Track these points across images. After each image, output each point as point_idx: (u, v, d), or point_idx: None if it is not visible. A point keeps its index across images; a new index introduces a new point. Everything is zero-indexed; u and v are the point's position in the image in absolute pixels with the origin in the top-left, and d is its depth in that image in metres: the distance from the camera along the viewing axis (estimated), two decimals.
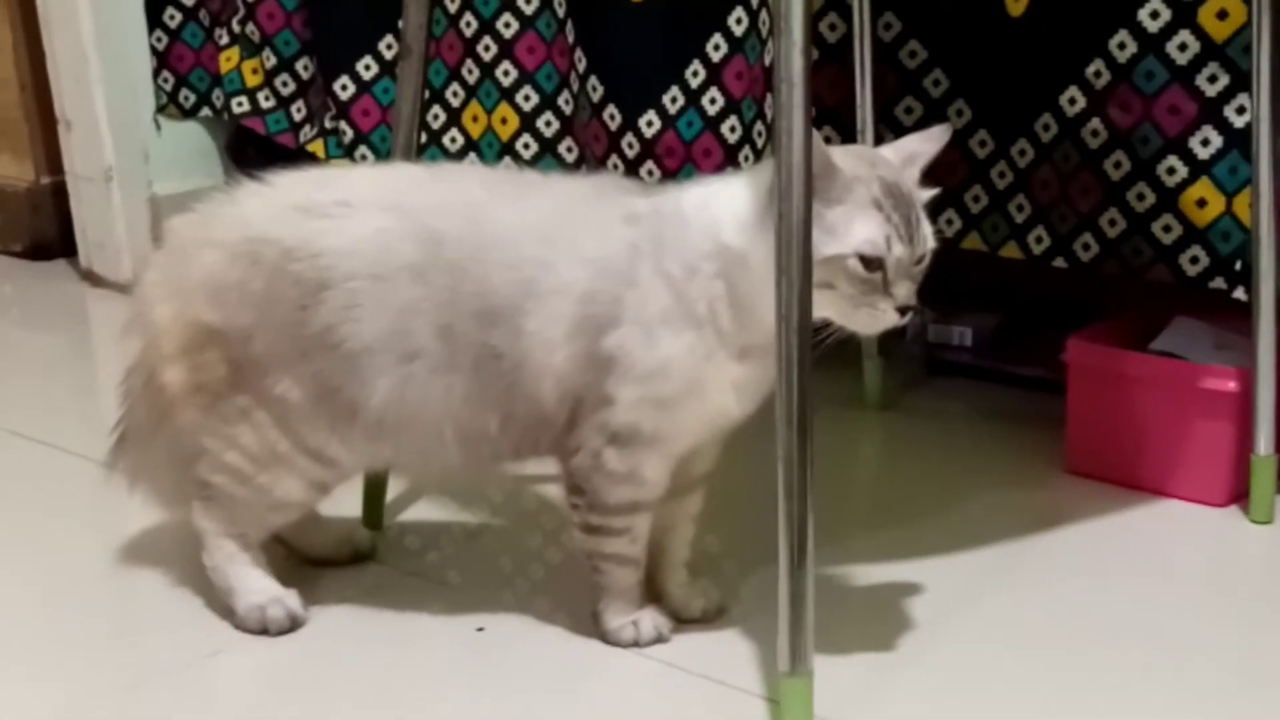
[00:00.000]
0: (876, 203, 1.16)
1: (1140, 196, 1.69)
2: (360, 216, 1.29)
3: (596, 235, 1.25)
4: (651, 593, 1.35)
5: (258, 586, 1.37)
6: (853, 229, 1.15)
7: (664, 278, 1.21)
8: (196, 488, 1.37)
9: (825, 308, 1.16)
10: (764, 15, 1.88)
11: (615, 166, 2.03)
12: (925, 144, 1.23)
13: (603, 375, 1.23)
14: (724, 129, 1.93)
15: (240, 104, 2.48)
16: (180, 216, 1.39)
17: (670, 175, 1.96)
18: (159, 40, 2.57)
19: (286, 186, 1.34)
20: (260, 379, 1.30)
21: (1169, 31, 1.62)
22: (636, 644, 1.32)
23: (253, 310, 1.29)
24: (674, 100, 1.95)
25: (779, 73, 1.10)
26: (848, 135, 1.86)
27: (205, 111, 2.60)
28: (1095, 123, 1.70)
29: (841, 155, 1.18)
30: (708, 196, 1.24)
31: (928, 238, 1.19)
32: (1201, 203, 1.64)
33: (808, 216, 1.10)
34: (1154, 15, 1.62)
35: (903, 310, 1.16)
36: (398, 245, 1.27)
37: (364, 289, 1.27)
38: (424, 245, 1.26)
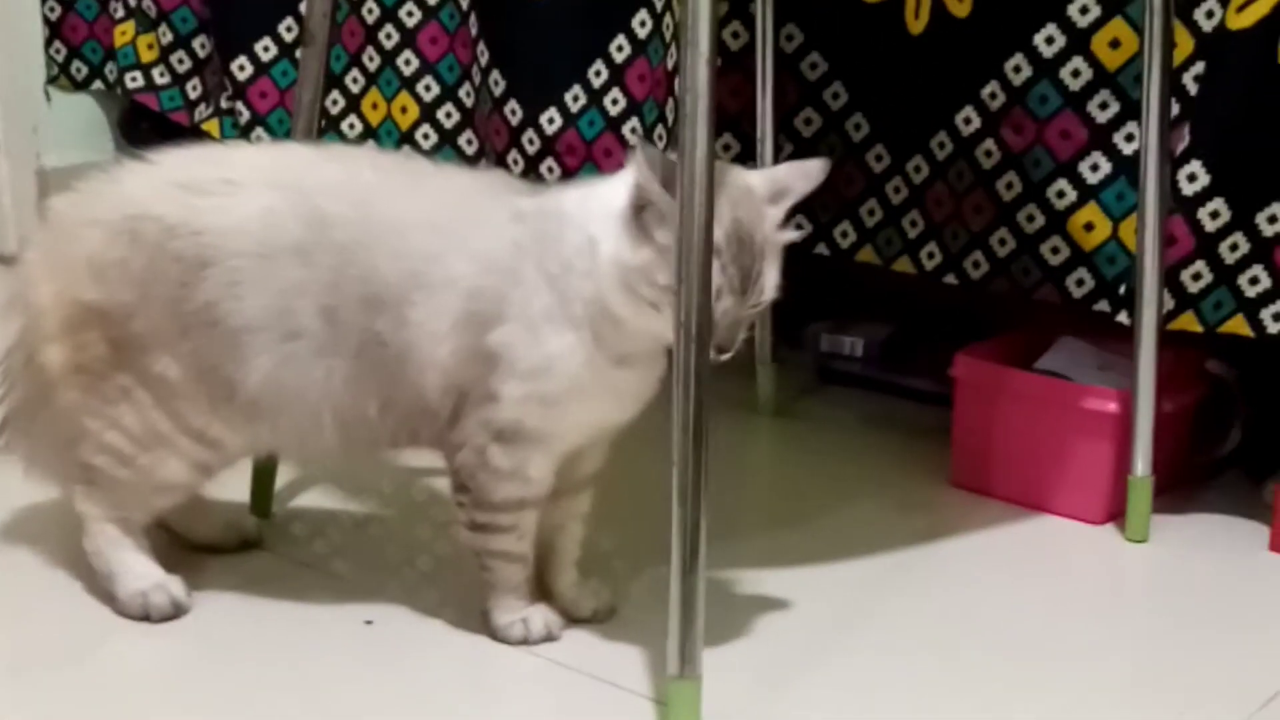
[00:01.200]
0: (715, 250, 1.14)
1: (1030, 218, 1.72)
2: (246, 194, 1.28)
3: (484, 231, 1.25)
4: (542, 592, 1.36)
5: (140, 571, 1.35)
6: None
7: (545, 276, 1.22)
8: (78, 471, 1.35)
9: (653, 320, 1.18)
10: (668, 19, 1.89)
11: (515, 162, 2.03)
12: (799, 180, 1.22)
13: (487, 371, 1.24)
14: (625, 130, 1.93)
15: (134, 79, 2.44)
16: (62, 195, 1.37)
17: (571, 173, 1.96)
18: (51, 10, 2.52)
19: (170, 164, 1.33)
20: (141, 357, 1.29)
21: (1063, 57, 1.66)
22: (526, 641, 1.32)
23: (134, 288, 1.28)
24: (576, 99, 1.95)
25: (684, 82, 1.10)
26: (747, 143, 1.88)
27: (98, 85, 2.55)
28: (989, 143, 1.73)
29: None
30: (586, 195, 1.24)
31: (766, 289, 1.18)
32: (1089, 226, 1.68)
33: (708, 224, 1.11)
34: (1049, 41, 1.66)
35: (719, 350, 1.16)
36: (284, 224, 1.26)
37: (247, 267, 1.26)
38: (310, 226, 1.26)
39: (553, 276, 1.22)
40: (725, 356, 1.17)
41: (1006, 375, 1.65)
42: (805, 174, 1.22)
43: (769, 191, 1.20)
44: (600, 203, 1.21)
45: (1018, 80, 1.70)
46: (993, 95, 1.72)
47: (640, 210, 1.17)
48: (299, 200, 1.27)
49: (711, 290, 1.13)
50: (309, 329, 1.26)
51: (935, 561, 1.53)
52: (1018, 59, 1.69)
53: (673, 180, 1.13)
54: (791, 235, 1.21)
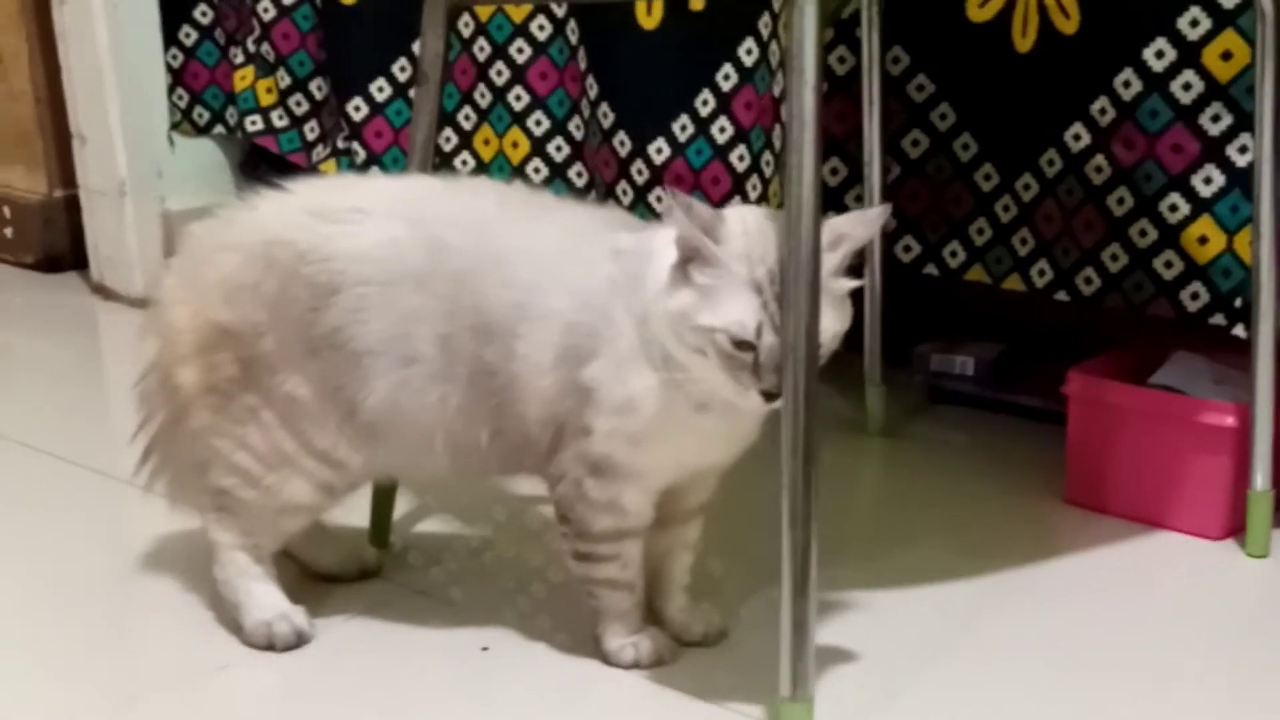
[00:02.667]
0: (757, 286, 1.15)
1: (1143, 233, 1.71)
2: (373, 223, 1.31)
3: (584, 267, 1.27)
4: (652, 616, 1.37)
5: (266, 602, 1.39)
6: (727, 306, 1.15)
7: (632, 316, 1.23)
8: (210, 498, 1.38)
9: (705, 369, 1.17)
10: (774, 46, 1.90)
11: (624, 193, 2.06)
12: (858, 227, 1.18)
13: (582, 405, 1.25)
14: (732, 158, 1.95)
15: (254, 122, 2.51)
16: (199, 222, 1.41)
17: None
18: (174, 58, 2.60)
19: (303, 192, 1.37)
20: (269, 377, 1.32)
21: (1174, 71, 1.64)
22: (637, 665, 1.33)
23: (265, 310, 1.32)
24: (683, 128, 1.97)
25: (791, 109, 1.11)
26: (855, 167, 1.88)
27: (219, 129, 2.62)
28: (1099, 159, 1.72)
29: (737, 223, 1.17)
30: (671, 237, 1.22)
31: (824, 333, 1.15)
32: (1203, 240, 1.66)
33: (816, 251, 1.12)
34: (1159, 55, 1.65)
35: (768, 396, 1.15)
36: (406, 253, 1.29)
37: (371, 294, 1.29)
38: (430, 254, 1.29)
39: (637, 317, 1.23)
40: (775, 404, 1.15)
41: (1121, 391, 1.64)
42: (864, 221, 1.20)
43: (827, 239, 1.16)
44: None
45: (1128, 95, 1.68)
46: (1102, 111, 1.71)
47: (687, 261, 1.17)
48: (422, 230, 1.30)
49: (811, 310, 1.13)
50: (425, 355, 1.29)
51: (1050, 580, 1.52)
52: (1127, 74, 1.68)
53: (711, 225, 1.15)
54: (852, 283, 1.19)
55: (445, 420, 1.30)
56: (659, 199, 2.01)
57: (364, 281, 1.29)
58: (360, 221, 1.31)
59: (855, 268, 1.21)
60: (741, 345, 1.15)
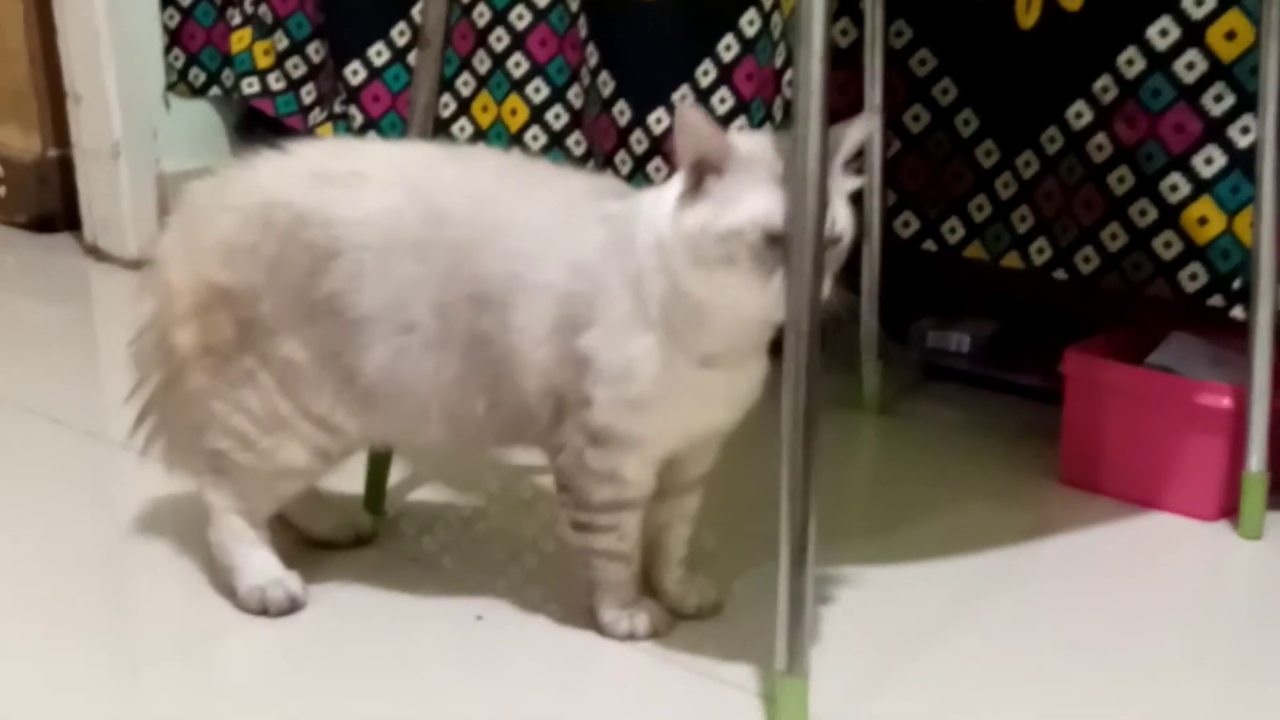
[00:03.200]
0: (777, 179, 1.14)
1: (1142, 212, 1.70)
2: (373, 188, 1.30)
3: (578, 236, 1.26)
4: (649, 588, 1.37)
5: (260, 567, 1.39)
6: (750, 201, 1.14)
7: (625, 279, 1.23)
8: (206, 460, 1.38)
9: (728, 287, 1.16)
10: (776, 18, 1.89)
11: (623, 163, 2.05)
12: (850, 131, 1.19)
13: (580, 375, 1.25)
14: (733, 129, 1.94)
15: (250, 85, 2.50)
16: (198, 181, 1.40)
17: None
18: (171, 18, 2.58)
19: (304, 154, 1.36)
20: (266, 340, 1.32)
21: (1177, 50, 1.63)
22: (632, 637, 1.33)
23: (263, 272, 1.31)
24: (684, 99, 1.97)
25: (797, 79, 1.11)
26: None
27: (215, 91, 2.61)
28: (1101, 137, 1.72)
29: (744, 137, 1.18)
30: (660, 194, 1.23)
31: (838, 220, 1.16)
32: (1203, 220, 1.66)
33: (820, 222, 1.11)
34: (1163, 33, 1.64)
35: None
36: (405, 220, 1.28)
37: (369, 260, 1.28)
38: (428, 223, 1.28)
39: (630, 279, 1.23)
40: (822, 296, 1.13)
41: (1117, 371, 1.64)
42: (854, 125, 1.20)
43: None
44: (670, 197, 1.20)
45: (1130, 74, 1.68)
46: (1105, 89, 1.70)
47: (698, 180, 1.17)
48: (420, 197, 1.29)
49: (820, 286, 1.13)
50: (422, 323, 1.28)
51: (1044, 559, 1.52)
52: (1130, 52, 1.67)
53: (722, 132, 1.15)
54: (855, 181, 1.20)
55: (441, 389, 1.29)
56: (657, 169, 2.00)
57: (362, 247, 1.29)
58: (360, 186, 1.31)
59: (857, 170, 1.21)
60: (772, 240, 1.14)
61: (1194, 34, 1.62)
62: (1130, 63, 1.67)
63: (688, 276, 1.18)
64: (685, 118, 1.16)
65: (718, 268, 1.16)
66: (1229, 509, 1.58)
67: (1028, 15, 1.75)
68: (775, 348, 1.20)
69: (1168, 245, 1.69)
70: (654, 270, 1.21)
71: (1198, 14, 1.61)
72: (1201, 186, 1.65)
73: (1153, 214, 1.70)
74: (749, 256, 1.14)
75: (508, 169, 1.35)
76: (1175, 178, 1.67)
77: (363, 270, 1.29)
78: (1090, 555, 1.53)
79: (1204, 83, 1.63)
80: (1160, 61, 1.65)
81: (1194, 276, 1.68)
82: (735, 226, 1.14)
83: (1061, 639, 1.36)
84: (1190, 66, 1.63)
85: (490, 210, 1.28)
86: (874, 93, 1.83)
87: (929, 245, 1.93)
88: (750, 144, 1.17)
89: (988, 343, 2.00)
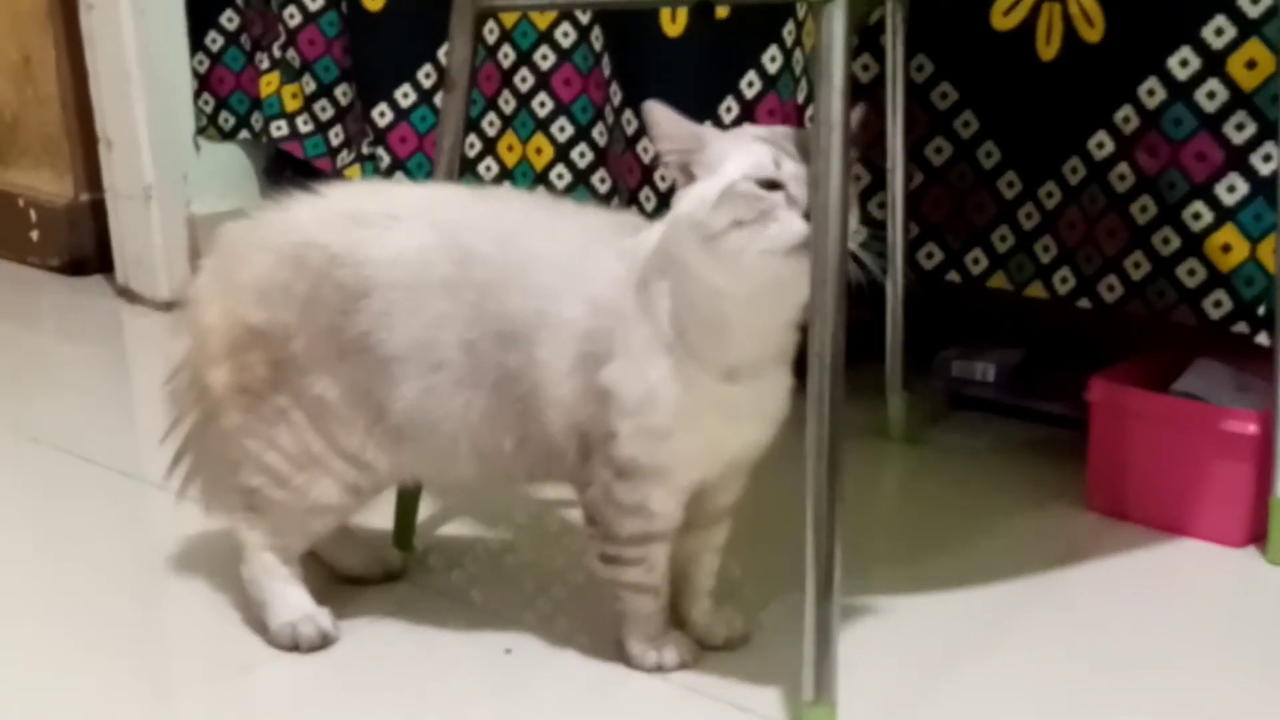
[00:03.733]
0: (758, 137, 1.17)
1: (1166, 240, 1.71)
2: (404, 229, 1.32)
3: (596, 271, 1.28)
4: (676, 619, 1.37)
5: (292, 603, 1.40)
6: (734, 160, 1.17)
7: (640, 306, 1.24)
8: (240, 497, 1.40)
9: (743, 253, 1.15)
10: (798, 54, 1.91)
11: (648, 199, 2.07)
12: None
13: (603, 410, 1.26)
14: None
15: (279, 128, 2.52)
16: (232, 223, 1.42)
17: None
18: (200, 63, 2.62)
19: (337, 196, 1.38)
20: (299, 378, 1.33)
21: (1198, 80, 1.64)
22: (660, 669, 1.33)
23: (296, 311, 1.33)
24: None
25: (819, 115, 1.12)
26: (878, 174, 1.88)
27: (244, 134, 2.64)
28: (1123, 167, 1.72)
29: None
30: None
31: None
32: (1226, 248, 1.66)
33: (843, 254, 1.12)
34: (1183, 63, 1.65)
35: (809, 216, 1.13)
36: (434, 260, 1.30)
37: (400, 299, 1.30)
38: (457, 262, 1.30)
39: (645, 307, 1.24)
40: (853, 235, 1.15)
41: (1143, 398, 1.64)
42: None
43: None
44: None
45: (1152, 104, 1.68)
46: (1126, 119, 1.71)
47: (681, 164, 1.19)
48: (450, 237, 1.31)
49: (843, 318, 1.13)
50: (451, 361, 1.29)
51: (1072, 586, 1.52)
52: (1151, 82, 1.68)
53: (694, 124, 1.19)
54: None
55: (470, 426, 1.31)
56: None
57: (393, 286, 1.30)
58: (391, 227, 1.32)
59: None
60: (767, 185, 1.15)
61: (1214, 64, 1.63)
62: (1151, 93, 1.68)
63: (702, 263, 1.18)
64: (649, 116, 1.19)
65: (726, 236, 1.16)
66: (1256, 534, 1.58)
67: (1048, 47, 1.76)
68: (799, 371, 1.21)
69: (1191, 273, 1.70)
70: (661, 292, 1.22)
71: (1218, 44, 1.62)
72: (1224, 214, 1.66)
73: (1176, 242, 1.70)
74: (749, 209, 1.15)
75: (533, 208, 1.37)
76: (1198, 206, 1.67)
77: (393, 309, 1.30)
78: (1118, 582, 1.53)
79: (1225, 111, 1.64)
80: (1181, 91, 1.66)
81: (1218, 304, 1.69)
82: (730, 183, 1.16)
83: (1091, 666, 1.35)
84: (1211, 96, 1.64)
85: (515, 248, 1.30)
86: (895, 127, 1.84)
87: (953, 276, 1.94)
88: (725, 131, 1.21)
89: (1013, 371, 2.00)
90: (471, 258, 1.30)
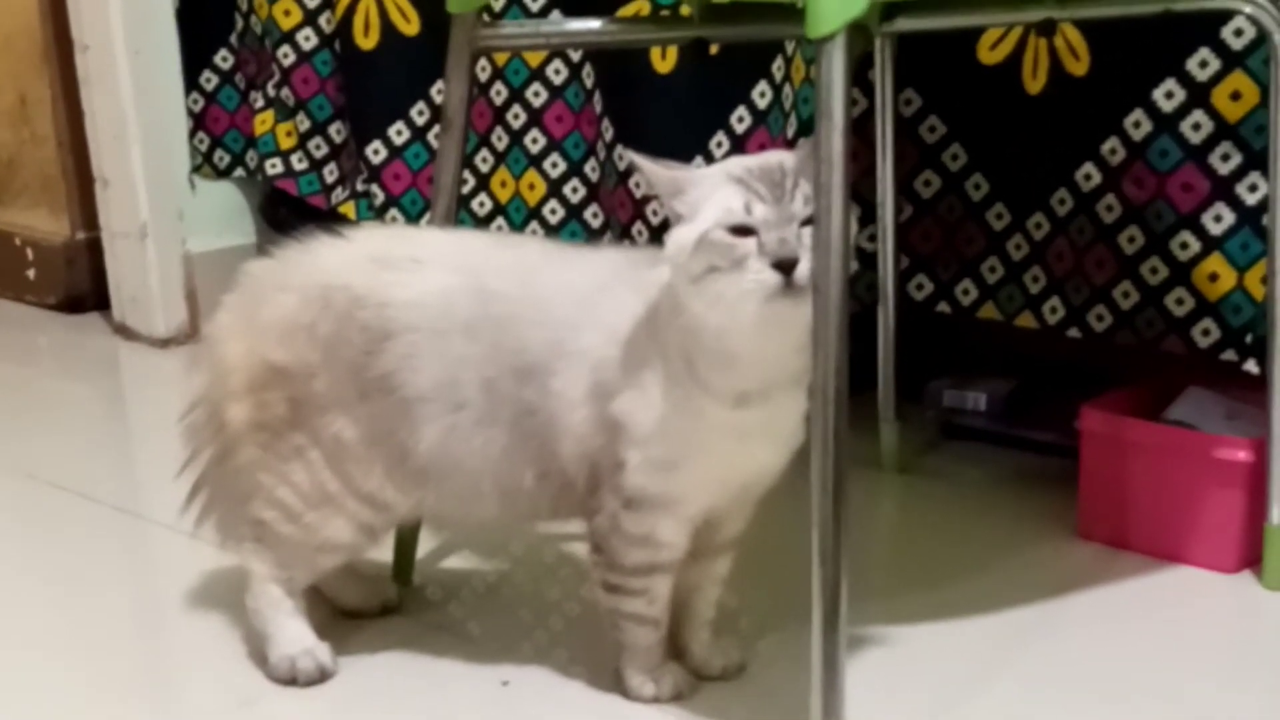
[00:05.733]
0: (735, 179, 1.17)
1: (1154, 270, 1.73)
2: (428, 273, 1.34)
3: (612, 303, 1.29)
4: (674, 649, 1.38)
5: (292, 636, 1.41)
6: (709, 206, 1.18)
7: (652, 337, 1.25)
8: (249, 528, 1.40)
9: (722, 298, 1.16)
10: (787, 89, 1.93)
11: (640, 234, 2.08)
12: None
13: (613, 439, 1.27)
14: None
15: (274, 165, 2.53)
16: (254, 263, 1.44)
17: None
18: (195, 102, 2.63)
19: (360, 239, 1.40)
20: (318, 417, 1.34)
21: (1183, 111, 1.66)
22: (656, 700, 1.34)
23: (319, 351, 1.34)
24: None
25: (819, 152, 1.13)
26: (867, 208, 1.90)
27: (239, 172, 2.65)
28: (1110, 198, 1.74)
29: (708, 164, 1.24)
30: None
31: (810, 197, 1.15)
32: (1213, 277, 1.68)
33: (844, 290, 1.13)
34: (1169, 95, 1.67)
35: (780, 265, 1.14)
36: (456, 302, 1.32)
37: (423, 341, 1.31)
38: (476, 302, 1.31)
39: (655, 338, 1.25)
40: (800, 272, 1.14)
41: (1135, 427, 1.65)
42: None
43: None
44: None
45: (1138, 135, 1.70)
46: (1113, 151, 1.73)
47: (670, 205, 1.21)
48: (470, 278, 1.33)
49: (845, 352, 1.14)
50: (472, 400, 1.31)
51: (1066, 615, 1.53)
52: (1138, 114, 1.70)
53: (675, 166, 1.22)
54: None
55: (492, 464, 1.32)
56: None
57: (416, 328, 1.32)
58: (415, 270, 1.34)
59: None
60: (738, 231, 1.16)
61: (1199, 96, 1.65)
62: (1137, 125, 1.70)
63: (691, 300, 1.19)
64: (634, 165, 1.22)
65: (705, 279, 1.17)
66: (1250, 560, 1.59)
67: (1035, 81, 1.78)
68: None
69: (1179, 302, 1.71)
70: (666, 323, 1.23)
71: (1202, 76, 1.64)
72: (1211, 244, 1.67)
73: (1164, 272, 1.72)
74: (723, 257, 1.16)
75: (553, 250, 1.40)
76: (1185, 236, 1.69)
77: (416, 351, 1.31)
78: (1112, 610, 1.54)
79: (1211, 143, 1.66)
80: (1167, 123, 1.68)
81: (1206, 332, 1.70)
82: (703, 232, 1.17)
83: (1086, 694, 1.36)
84: (1197, 127, 1.66)
85: (534, 285, 1.32)
86: (885, 160, 1.86)
87: (943, 307, 1.96)
88: (706, 167, 1.23)
89: (1004, 401, 2.02)
90: (491, 297, 1.31)
